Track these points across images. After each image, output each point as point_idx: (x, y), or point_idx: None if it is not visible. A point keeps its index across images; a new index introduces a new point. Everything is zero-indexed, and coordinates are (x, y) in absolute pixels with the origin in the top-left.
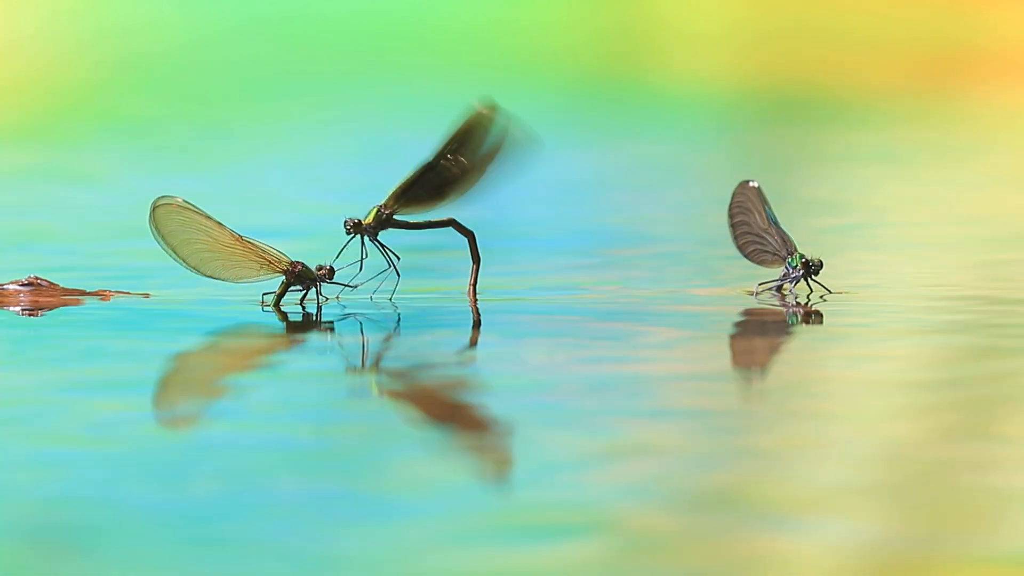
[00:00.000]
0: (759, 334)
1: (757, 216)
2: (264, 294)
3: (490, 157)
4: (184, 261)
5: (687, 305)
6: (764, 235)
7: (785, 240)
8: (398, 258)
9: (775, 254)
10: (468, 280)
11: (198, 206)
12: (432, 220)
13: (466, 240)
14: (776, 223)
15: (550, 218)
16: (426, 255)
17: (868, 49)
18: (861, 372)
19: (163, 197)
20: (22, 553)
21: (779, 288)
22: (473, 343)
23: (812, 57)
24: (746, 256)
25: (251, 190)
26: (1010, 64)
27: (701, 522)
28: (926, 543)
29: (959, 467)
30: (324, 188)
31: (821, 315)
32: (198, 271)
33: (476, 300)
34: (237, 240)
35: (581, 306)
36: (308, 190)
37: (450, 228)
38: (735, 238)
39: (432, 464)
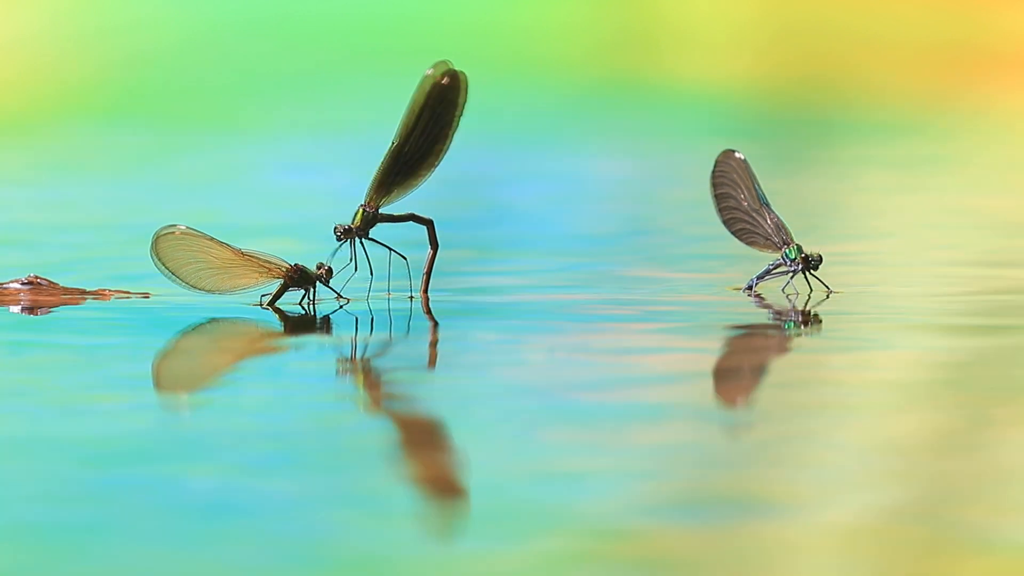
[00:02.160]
0: (759, 334)
1: (745, 193)
2: (262, 295)
3: (452, 121)
4: (185, 282)
5: (686, 305)
6: (755, 216)
7: (780, 226)
8: (404, 258)
9: (767, 239)
10: (421, 284)
11: (197, 228)
12: (416, 215)
13: (429, 247)
14: (768, 205)
15: (552, 218)
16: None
17: (877, 48)
18: (865, 377)
19: (165, 227)
20: (22, 551)
21: (750, 287)
22: (472, 342)
23: (820, 56)
24: (733, 234)
25: (250, 189)
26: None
27: (701, 522)
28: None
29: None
30: (323, 187)
31: (819, 318)
32: (199, 289)
33: (428, 302)
34: (238, 255)
35: (582, 305)
36: (307, 189)
37: (425, 227)
38: (720, 212)
39: (424, 463)
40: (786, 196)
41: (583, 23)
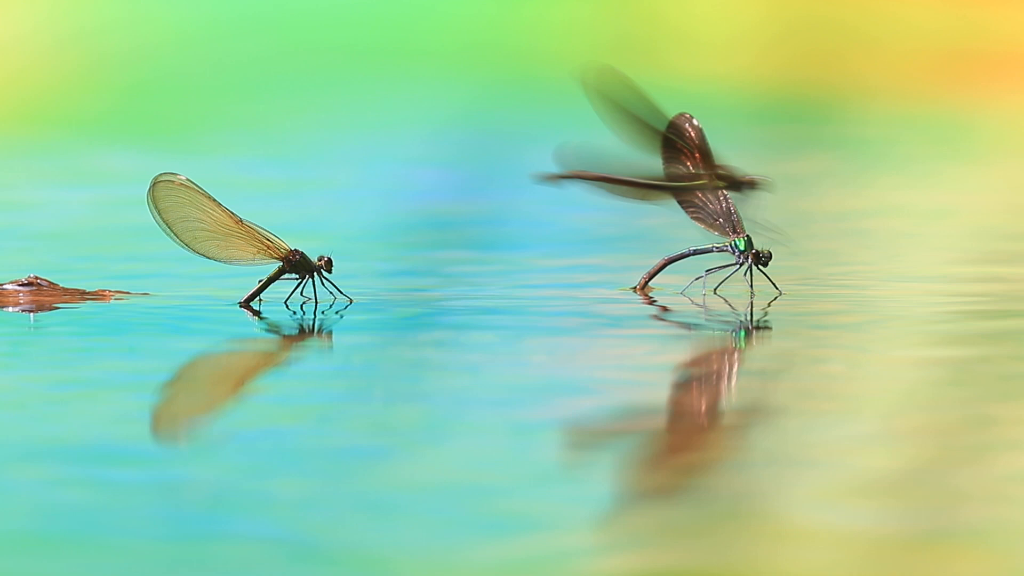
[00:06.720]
0: (751, 333)
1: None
2: (259, 279)
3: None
4: (178, 238)
5: (683, 305)
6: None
7: (732, 213)
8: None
9: (715, 220)
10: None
11: (201, 186)
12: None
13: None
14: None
15: (553, 217)
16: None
17: (877, 49)
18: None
19: (165, 174)
20: (21, 551)
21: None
22: (474, 343)
23: (823, 56)
24: (679, 203)
25: (247, 188)
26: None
27: (701, 520)
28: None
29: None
30: (322, 187)
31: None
32: (191, 248)
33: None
34: (237, 223)
35: (582, 306)
36: (307, 190)
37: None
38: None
39: (426, 463)
40: (784, 195)
41: (583, 23)
